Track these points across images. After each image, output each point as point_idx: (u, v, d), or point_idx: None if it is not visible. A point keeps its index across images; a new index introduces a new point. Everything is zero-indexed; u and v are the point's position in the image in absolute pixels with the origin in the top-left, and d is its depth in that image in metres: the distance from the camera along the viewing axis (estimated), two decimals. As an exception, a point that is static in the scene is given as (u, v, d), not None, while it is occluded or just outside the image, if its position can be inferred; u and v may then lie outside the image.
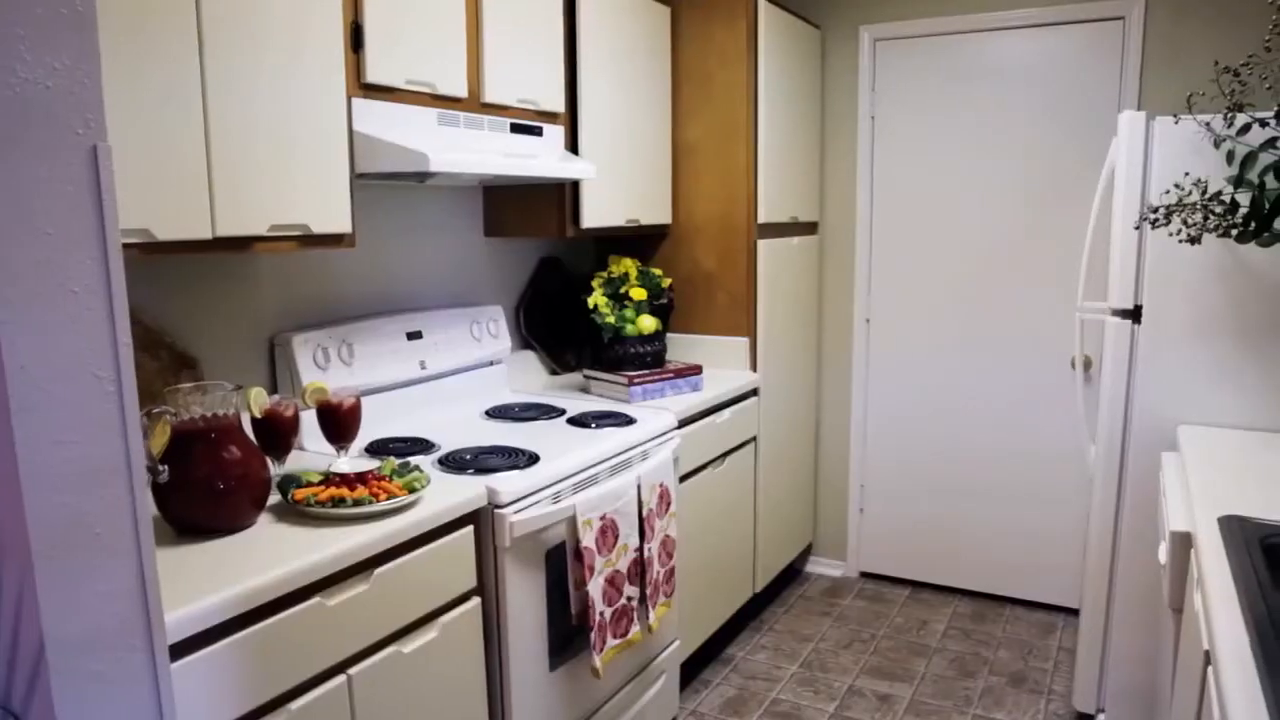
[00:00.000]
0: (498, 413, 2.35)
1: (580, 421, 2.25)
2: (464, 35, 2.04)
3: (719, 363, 2.92)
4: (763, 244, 2.86)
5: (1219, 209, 1.92)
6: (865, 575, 3.47)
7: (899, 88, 3.14)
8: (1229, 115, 1.95)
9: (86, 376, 0.97)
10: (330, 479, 1.63)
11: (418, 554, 1.61)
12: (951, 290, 3.17)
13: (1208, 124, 2.06)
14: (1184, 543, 1.66)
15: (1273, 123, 1.89)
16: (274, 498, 1.67)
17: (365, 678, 1.52)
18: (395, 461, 1.74)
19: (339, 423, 1.80)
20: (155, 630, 1.04)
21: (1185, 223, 1.95)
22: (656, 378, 2.48)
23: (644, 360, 2.54)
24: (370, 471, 1.65)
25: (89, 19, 0.93)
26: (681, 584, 2.51)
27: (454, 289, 2.54)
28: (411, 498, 1.61)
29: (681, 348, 2.97)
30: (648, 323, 2.54)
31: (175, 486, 1.47)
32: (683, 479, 2.47)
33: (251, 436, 1.74)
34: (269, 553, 1.42)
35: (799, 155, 3.12)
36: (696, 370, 2.57)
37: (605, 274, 2.70)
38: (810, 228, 3.29)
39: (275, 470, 1.75)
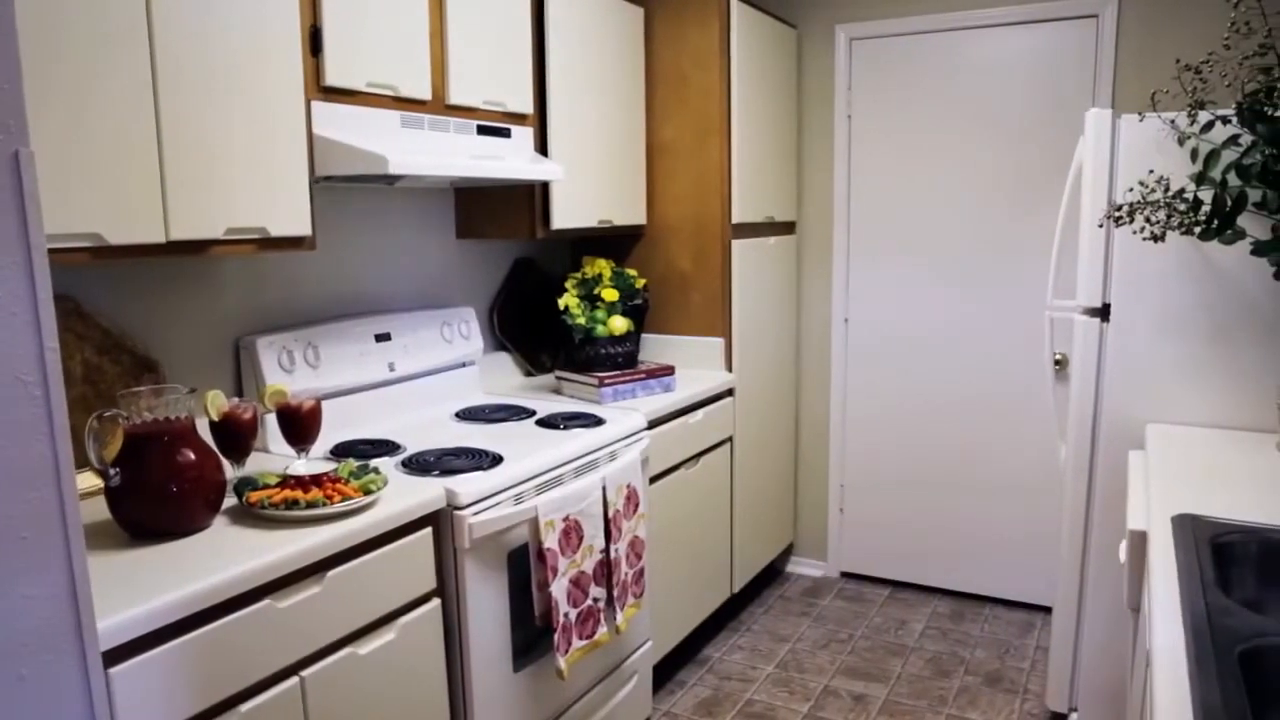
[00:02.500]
0: (468, 414, 2.36)
1: (549, 423, 2.25)
2: (427, 38, 2.04)
3: (694, 363, 2.92)
4: (737, 244, 2.86)
5: (1182, 206, 1.91)
6: (846, 575, 3.47)
7: (876, 87, 3.14)
8: (1192, 113, 1.95)
9: (10, 381, 0.97)
10: (286, 481, 1.63)
11: (374, 555, 1.62)
12: (930, 289, 3.16)
13: (1172, 121, 2.06)
14: (1141, 542, 1.65)
15: (1234, 120, 1.89)
16: (231, 500, 1.67)
17: (319, 680, 1.52)
18: (354, 463, 1.74)
19: (298, 425, 1.80)
20: (86, 634, 1.04)
21: (1148, 220, 1.95)
22: (627, 378, 2.48)
23: (615, 361, 2.55)
24: (326, 474, 1.65)
25: (6, 21, 0.93)
26: (654, 585, 2.51)
27: (425, 291, 2.54)
28: (366, 499, 1.62)
29: (657, 348, 2.97)
30: (619, 323, 2.54)
31: (128, 489, 1.48)
32: (654, 480, 2.47)
33: (210, 439, 1.75)
34: (220, 555, 1.42)
35: (775, 155, 3.11)
36: (669, 371, 2.57)
37: (579, 275, 2.70)
38: (788, 227, 3.28)
39: (235, 473, 1.76)
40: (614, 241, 3.00)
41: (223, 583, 1.35)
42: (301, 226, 1.80)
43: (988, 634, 2.99)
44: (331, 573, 1.54)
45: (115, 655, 1.23)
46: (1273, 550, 1.45)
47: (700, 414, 2.67)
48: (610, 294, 2.59)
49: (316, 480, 1.63)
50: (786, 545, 3.45)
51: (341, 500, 1.59)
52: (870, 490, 3.37)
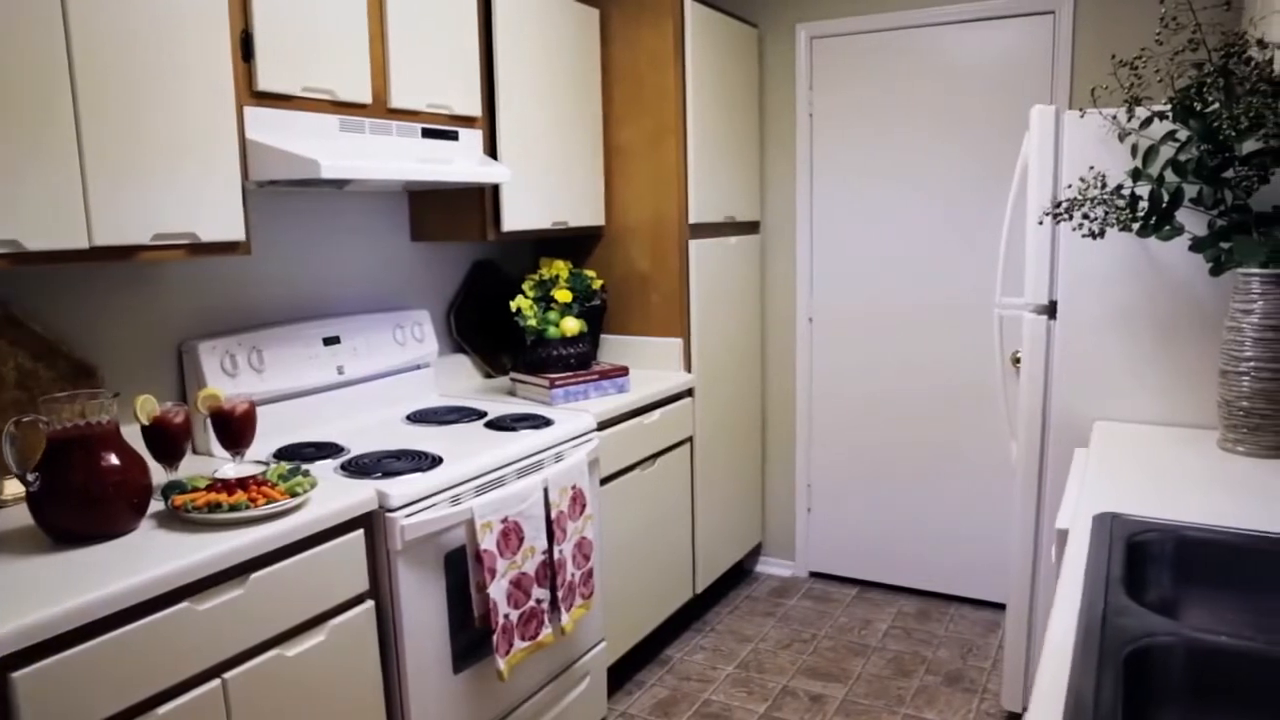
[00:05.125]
0: (419, 417, 2.36)
1: (499, 424, 2.26)
2: (366, 42, 2.05)
3: (654, 364, 2.92)
4: (695, 244, 2.86)
5: (1120, 203, 1.91)
6: (814, 575, 3.46)
7: (837, 86, 3.14)
8: (1129, 109, 1.94)
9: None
10: (214, 485, 1.64)
11: (302, 557, 1.62)
12: (894, 288, 3.16)
13: (1113, 117, 2.05)
14: (1064, 541, 1.65)
15: (1170, 116, 1.88)
16: (160, 505, 1.68)
17: (243, 682, 1.53)
18: (285, 466, 1.75)
19: (232, 428, 1.81)
20: (-29, 637, 1.05)
21: (1086, 217, 1.94)
22: (579, 379, 2.49)
23: (567, 362, 2.55)
24: (253, 477, 1.66)
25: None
26: (610, 586, 2.51)
27: (378, 294, 2.55)
28: (292, 502, 1.62)
29: (617, 349, 2.97)
30: (571, 325, 2.54)
31: (49, 494, 1.48)
32: (607, 480, 2.47)
33: (142, 444, 1.77)
34: (140, 558, 1.43)
35: (736, 155, 3.11)
36: (623, 371, 2.58)
37: (536, 276, 2.71)
38: (751, 227, 3.28)
39: (168, 476, 1.77)
40: (574, 243, 3.01)
41: (136, 586, 1.36)
42: (234, 231, 1.81)
43: (952, 633, 2.98)
44: (255, 575, 1.55)
45: (20, 659, 1.24)
46: (1188, 547, 1.44)
47: (656, 414, 2.67)
48: (564, 295, 2.60)
49: (243, 483, 1.64)
50: (755, 545, 3.45)
51: (266, 503, 1.60)
52: (837, 490, 3.36)
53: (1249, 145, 1.79)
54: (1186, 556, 1.45)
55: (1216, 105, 1.74)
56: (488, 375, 2.88)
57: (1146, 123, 1.95)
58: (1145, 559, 1.46)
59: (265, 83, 1.84)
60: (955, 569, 3.20)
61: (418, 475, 1.86)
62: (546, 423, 2.27)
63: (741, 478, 3.29)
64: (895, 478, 3.25)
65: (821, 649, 2.89)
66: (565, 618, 2.15)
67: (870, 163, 3.13)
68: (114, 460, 1.53)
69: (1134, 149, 2.01)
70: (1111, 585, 1.28)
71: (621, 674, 2.74)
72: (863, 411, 3.27)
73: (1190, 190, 1.90)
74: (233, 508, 1.57)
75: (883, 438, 3.25)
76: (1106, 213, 1.92)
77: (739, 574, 3.49)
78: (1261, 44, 1.65)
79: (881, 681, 2.68)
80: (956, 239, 3.04)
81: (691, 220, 2.83)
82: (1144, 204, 1.91)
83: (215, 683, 1.49)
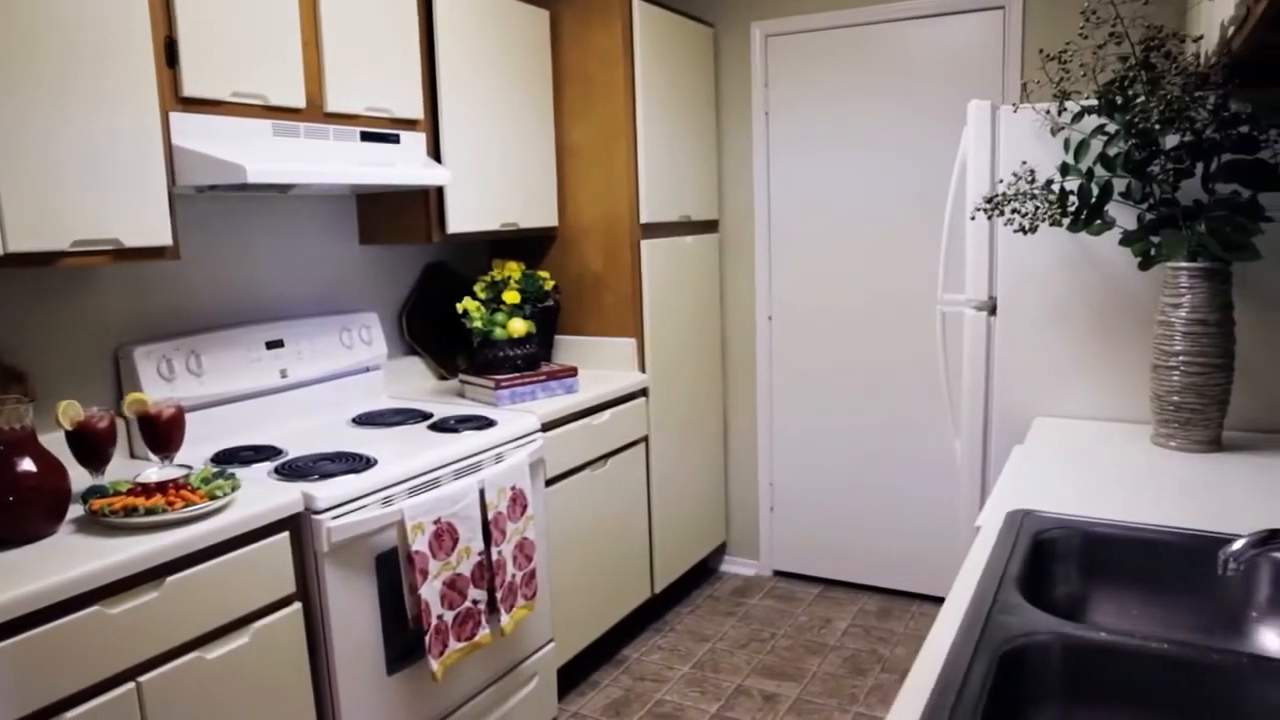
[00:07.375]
0: (366, 419, 2.37)
1: (442, 426, 2.26)
2: (299, 46, 2.05)
3: (608, 364, 2.92)
4: (648, 244, 2.86)
5: (1051, 197, 1.90)
6: (778, 574, 3.46)
7: (793, 84, 3.13)
8: (1060, 103, 1.93)
9: None
10: (135, 489, 1.65)
11: (223, 560, 1.63)
12: (853, 285, 3.15)
13: (1047, 111, 2.04)
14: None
15: (1098, 110, 1.87)
16: (82, 509, 1.69)
17: (159, 685, 1.54)
18: (211, 469, 1.76)
19: (159, 432, 1.82)
20: None
21: (1017, 211, 1.93)
22: (526, 380, 2.49)
23: (514, 363, 2.55)
24: (173, 480, 1.67)
25: None
26: (562, 586, 2.52)
27: (325, 296, 2.55)
28: (210, 505, 1.63)
29: (571, 350, 2.97)
30: (518, 325, 2.54)
31: (-38, 500, 1.50)
32: (554, 481, 2.47)
33: (66, 449, 1.77)
34: (52, 562, 1.44)
35: (690, 154, 3.11)
36: (571, 372, 2.58)
37: (488, 278, 2.71)
38: (709, 226, 3.28)
39: (95, 481, 1.78)
40: (529, 244, 3.01)
41: (41, 590, 1.36)
42: (160, 237, 1.82)
43: (911, 631, 2.97)
44: (172, 578, 1.55)
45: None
46: (1096, 544, 1.44)
47: (606, 415, 2.67)
48: (512, 296, 2.60)
49: (163, 487, 1.65)
50: (719, 544, 3.45)
51: (184, 506, 1.60)
52: (800, 489, 3.36)
53: (1173, 139, 1.78)
54: (1094, 553, 1.44)
55: (1142, 99, 1.73)
56: (442, 377, 2.88)
57: (1079, 117, 1.94)
58: (1054, 555, 1.45)
59: (191, 88, 1.84)
60: (918, 566, 3.19)
61: (349, 477, 1.86)
62: (490, 424, 2.27)
63: (702, 477, 3.29)
64: (859, 476, 3.25)
65: (779, 648, 2.88)
66: (505, 618, 2.15)
67: (828, 160, 3.12)
68: (28, 466, 1.54)
69: (1066, 143, 2.00)
70: (1005, 583, 1.27)
71: (575, 674, 2.74)
72: (825, 409, 3.27)
73: (1120, 184, 1.89)
74: (149, 511, 1.58)
75: (845, 435, 3.25)
76: (1037, 208, 1.91)
77: (704, 573, 3.48)
78: (1179, 37, 1.65)
79: (836, 680, 2.68)
80: (915, 235, 3.03)
81: (643, 220, 2.83)
82: (1074, 198, 1.90)
83: (129, 686, 1.50)
